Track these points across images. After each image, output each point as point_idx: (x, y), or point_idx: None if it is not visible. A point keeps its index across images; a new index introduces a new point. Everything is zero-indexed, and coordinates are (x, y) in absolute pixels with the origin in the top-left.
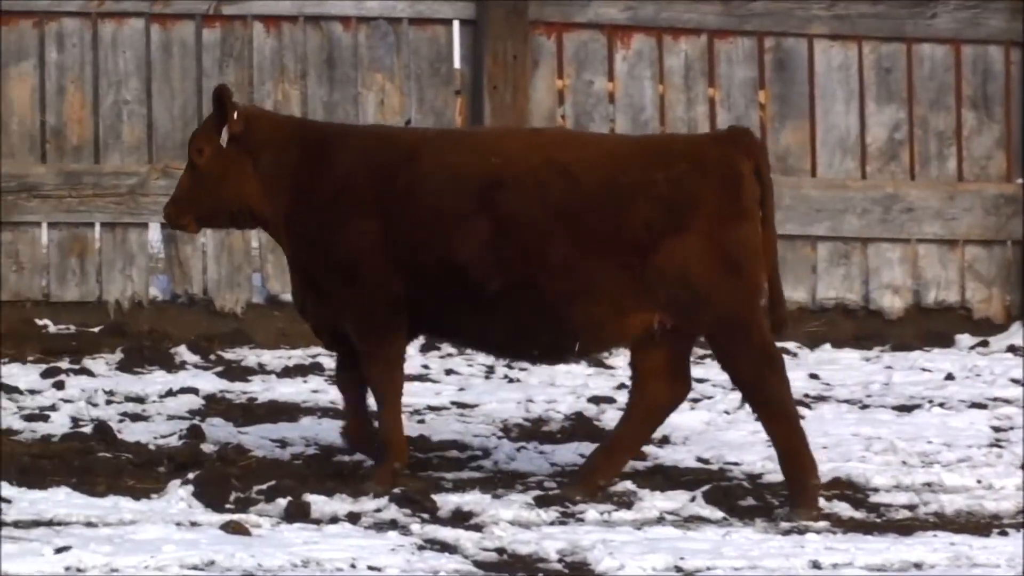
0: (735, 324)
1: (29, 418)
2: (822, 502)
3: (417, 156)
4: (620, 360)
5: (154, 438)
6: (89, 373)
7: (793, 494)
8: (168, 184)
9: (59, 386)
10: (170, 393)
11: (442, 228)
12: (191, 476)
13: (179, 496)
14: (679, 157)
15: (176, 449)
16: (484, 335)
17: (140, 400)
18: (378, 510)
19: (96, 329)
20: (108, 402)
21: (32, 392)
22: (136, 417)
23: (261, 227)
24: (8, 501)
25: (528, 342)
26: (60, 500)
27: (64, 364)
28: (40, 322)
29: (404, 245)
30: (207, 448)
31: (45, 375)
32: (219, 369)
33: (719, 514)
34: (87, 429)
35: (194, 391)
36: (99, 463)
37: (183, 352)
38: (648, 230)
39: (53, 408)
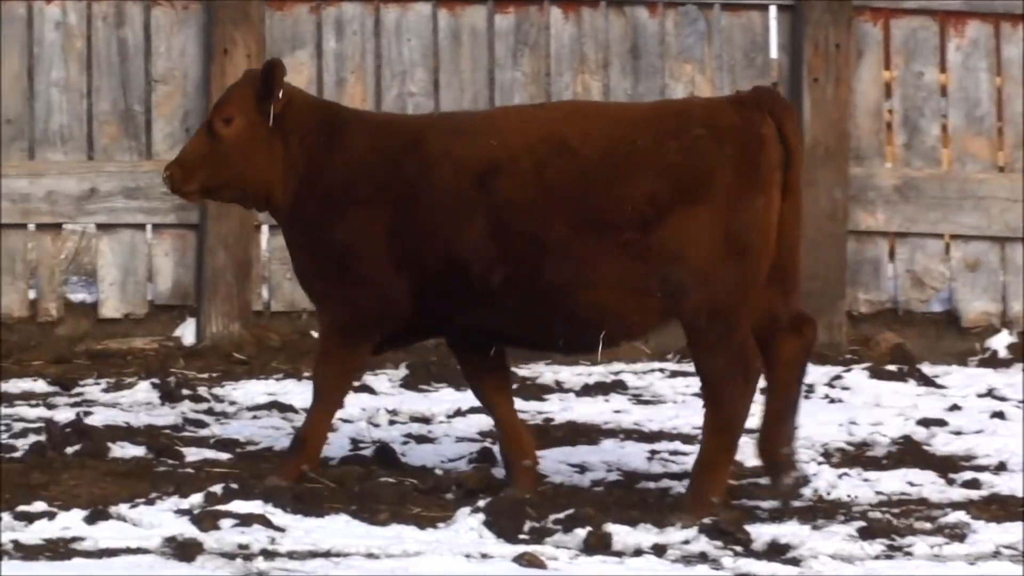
0: (720, 314)
1: None
2: None
3: (421, 144)
4: (954, 379)
5: (441, 462)
6: (370, 391)
7: (688, 498)
8: None
9: None
10: (458, 413)
11: (442, 217)
12: (482, 503)
13: (469, 525)
14: (694, 123)
15: (465, 474)
16: (500, 331)
17: (426, 420)
18: (686, 542)
19: None
20: (391, 422)
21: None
22: (421, 439)
23: (271, 214)
24: (282, 530)
25: (546, 336)
26: (339, 529)
27: None
28: (317, 334)
29: (407, 237)
30: (499, 473)
31: None
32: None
33: None
34: (368, 452)
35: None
36: (381, 489)
37: None
38: (652, 204)
39: (331, 428)
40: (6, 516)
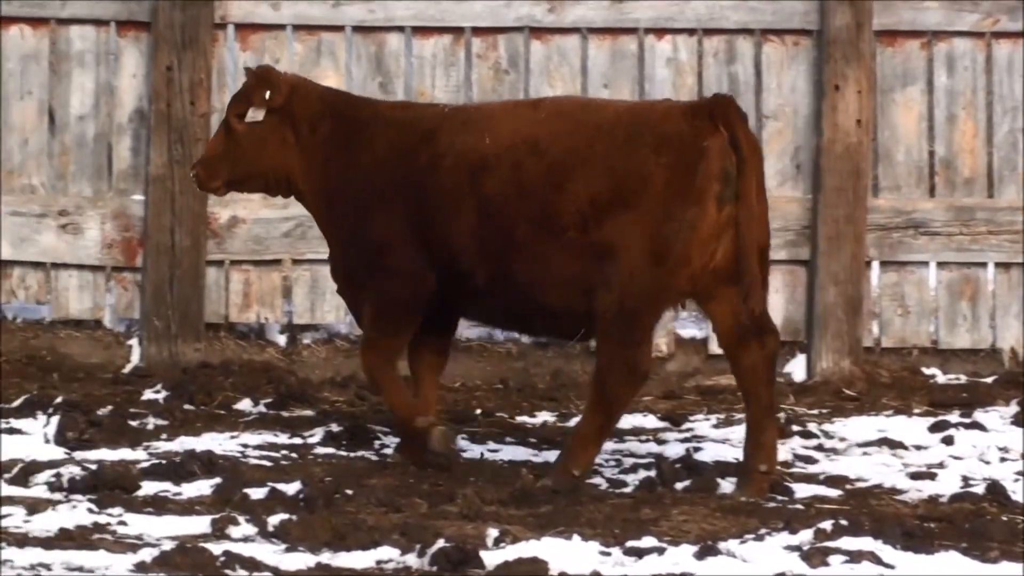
0: (626, 314)
1: (915, 476)
2: None
3: (434, 136)
4: None
5: None
6: (981, 427)
7: (554, 466)
8: None
9: (948, 441)
10: None
11: (443, 210)
12: None
13: None
14: (644, 129)
15: None
16: (490, 318)
17: None
18: None
19: (989, 379)
20: (1002, 459)
21: (918, 448)
22: None
23: (296, 199)
24: (892, 567)
25: (528, 327)
26: (948, 566)
27: (953, 417)
28: (927, 371)
29: (422, 227)
30: None
31: (933, 429)
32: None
33: None
34: (979, 489)
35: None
36: (992, 526)
37: None
38: (591, 204)
39: (941, 465)
40: (616, 551)
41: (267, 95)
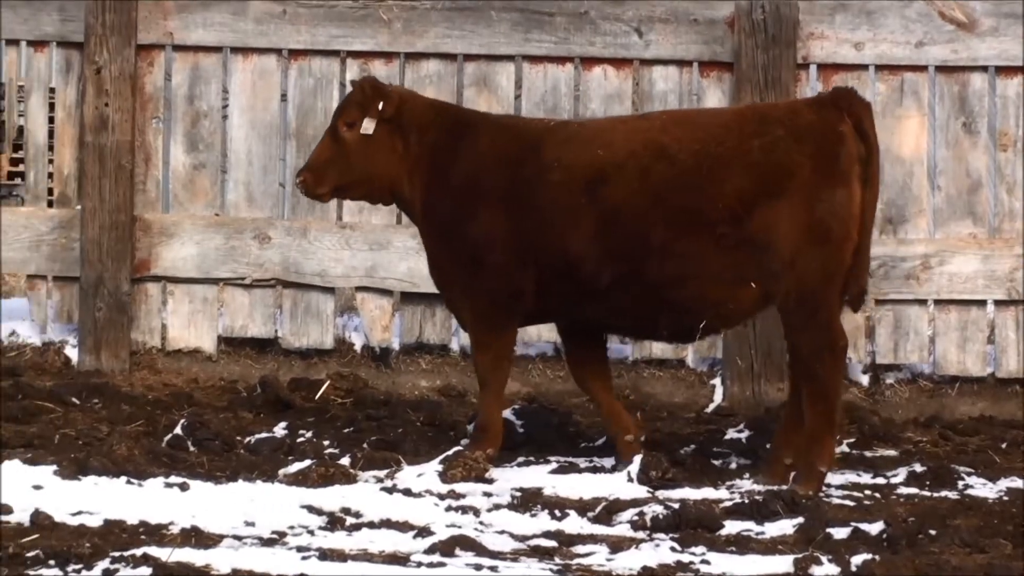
0: (807, 296)
1: None
2: None
3: (540, 148)
4: None
5: None
6: None
7: (800, 470)
8: None
9: None
10: None
11: (558, 220)
12: None
13: None
14: (775, 124)
15: None
16: (609, 322)
17: None
18: None
19: None
20: None
21: None
22: None
23: (398, 206)
24: None
25: (650, 327)
26: None
27: None
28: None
29: (528, 236)
30: None
31: None
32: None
33: None
34: None
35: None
36: None
37: None
38: (740, 200)
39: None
40: None
41: (380, 106)
